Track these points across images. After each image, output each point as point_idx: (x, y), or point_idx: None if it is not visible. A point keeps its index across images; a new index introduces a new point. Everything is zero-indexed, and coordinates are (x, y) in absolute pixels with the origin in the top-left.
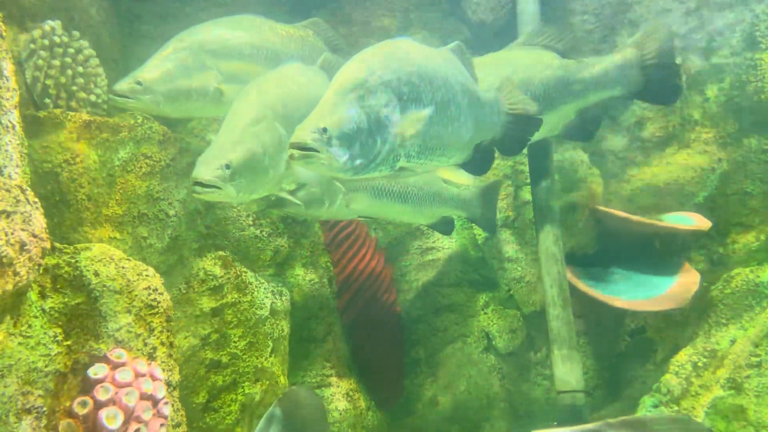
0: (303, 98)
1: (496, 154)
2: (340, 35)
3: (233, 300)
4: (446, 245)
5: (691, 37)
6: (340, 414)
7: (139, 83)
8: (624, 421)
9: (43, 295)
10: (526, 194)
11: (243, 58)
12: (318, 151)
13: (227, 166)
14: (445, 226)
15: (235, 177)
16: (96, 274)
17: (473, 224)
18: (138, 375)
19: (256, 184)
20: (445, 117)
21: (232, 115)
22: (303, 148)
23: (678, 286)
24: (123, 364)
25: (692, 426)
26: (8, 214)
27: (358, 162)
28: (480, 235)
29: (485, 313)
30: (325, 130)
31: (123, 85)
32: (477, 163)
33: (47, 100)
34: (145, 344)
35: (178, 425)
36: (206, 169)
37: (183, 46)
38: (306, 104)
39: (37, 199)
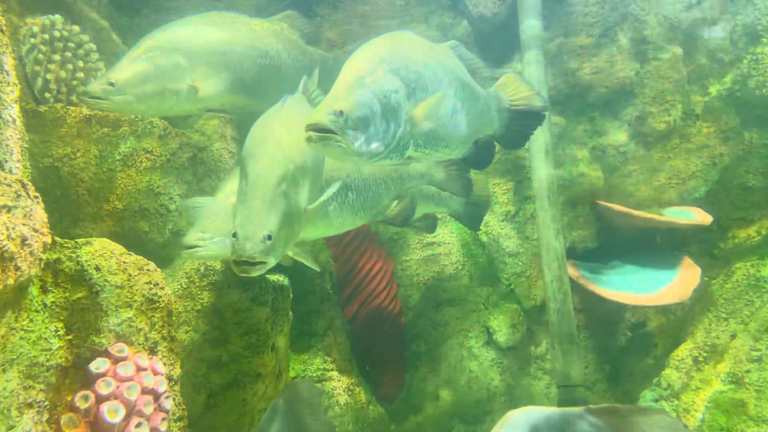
0: None
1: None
2: (314, 26)
3: (234, 294)
4: (447, 240)
5: (693, 30)
6: (341, 408)
7: (111, 84)
8: (604, 408)
9: (44, 290)
10: (527, 189)
11: (217, 55)
12: (335, 134)
13: (269, 238)
14: (427, 223)
15: (275, 246)
16: (97, 269)
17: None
18: (139, 369)
19: (288, 247)
20: (449, 107)
21: (254, 170)
22: (320, 130)
23: (679, 281)
24: (124, 359)
25: (666, 419)
26: (9, 209)
27: (373, 146)
28: (481, 230)
29: (486, 308)
30: (341, 112)
31: (95, 86)
32: (478, 157)
33: (48, 95)
34: (147, 339)
35: (179, 419)
36: (252, 246)
37: (155, 44)
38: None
39: (38, 194)
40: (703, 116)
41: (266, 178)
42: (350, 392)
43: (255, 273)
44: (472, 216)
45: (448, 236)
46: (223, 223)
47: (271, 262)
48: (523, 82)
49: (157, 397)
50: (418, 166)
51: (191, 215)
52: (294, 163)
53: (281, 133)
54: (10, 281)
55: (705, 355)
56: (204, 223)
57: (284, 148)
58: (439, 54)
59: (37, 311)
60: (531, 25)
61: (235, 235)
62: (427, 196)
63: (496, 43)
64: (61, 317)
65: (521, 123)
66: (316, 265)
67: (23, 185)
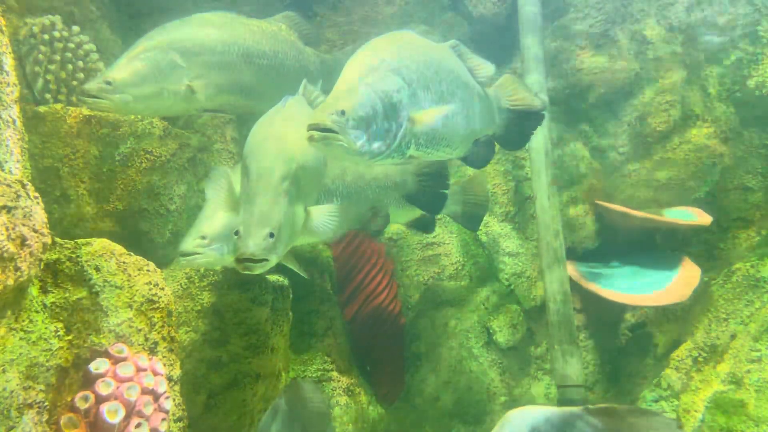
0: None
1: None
2: (314, 27)
3: (234, 295)
4: (447, 240)
5: (693, 31)
6: (341, 409)
7: (108, 83)
8: (601, 408)
9: (44, 290)
10: (527, 189)
11: (214, 55)
12: (337, 133)
13: (271, 235)
14: (424, 225)
15: (277, 244)
16: (97, 269)
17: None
18: (139, 370)
19: (290, 245)
20: (451, 107)
21: (257, 168)
22: (323, 129)
23: (679, 281)
24: (124, 359)
25: (662, 420)
26: (9, 209)
27: (374, 145)
28: (480, 230)
29: (486, 308)
30: (343, 112)
31: (92, 85)
32: (477, 157)
33: (47, 95)
34: (146, 339)
35: (179, 420)
36: (254, 243)
37: (152, 44)
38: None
39: (37, 194)
40: (703, 116)
41: (269, 175)
42: (350, 393)
43: (258, 270)
44: (470, 217)
45: (448, 236)
46: (222, 227)
47: (274, 259)
48: (522, 82)
49: (156, 397)
50: (394, 176)
51: (213, 186)
52: (296, 162)
53: (283, 132)
54: (10, 282)
55: (705, 355)
56: (202, 227)
57: (286, 146)
58: (440, 54)
59: (37, 312)
60: (531, 39)
61: (237, 232)
62: None
63: (496, 44)
64: (61, 318)
65: (521, 123)
66: (303, 271)
67: (23, 186)
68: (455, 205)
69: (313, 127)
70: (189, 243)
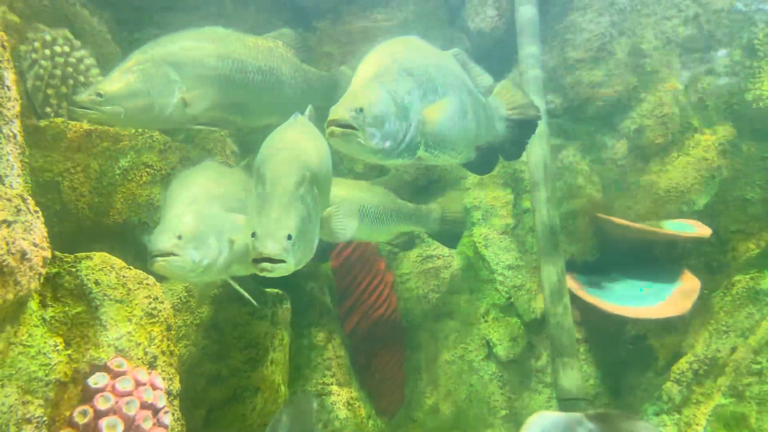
0: (326, 153)
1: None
2: (309, 46)
3: (233, 309)
4: (446, 253)
5: (690, 45)
6: (341, 422)
7: (99, 95)
8: (598, 414)
9: (43, 304)
10: (526, 202)
11: (208, 69)
12: (356, 129)
13: (289, 237)
14: (404, 242)
15: (295, 247)
16: (96, 283)
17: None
18: (138, 384)
19: (307, 253)
20: (457, 111)
21: (272, 174)
22: (342, 125)
23: (678, 294)
24: (123, 373)
25: (647, 427)
26: (9, 224)
27: (387, 144)
28: (480, 243)
29: (486, 321)
30: (361, 110)
31: (83, 96)
32: (480, 163)
33: (48, 110)
34: (146, 353)
35: None
36: (273, 244)
37: (146, 57)
38: (328, 158)
39: (38, 209)
40: (701, 129)
41: (285, 181)
42: (350, 406)
43: (277, 273)
44: (448, 234)
45: (447, 249)
46: (197, 228)
47: (291, 263)
48: (519, 89)
49: (156, 412)
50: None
51: None
52: (310, 170)
53: (297, 142)
54: (10, 296)
55: (705, 368)
56: (177, 225)
57: (300, 155)
58: (446, 60)
59: (36, 326)
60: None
61: (254, 234)
62: (403, 216)
63: (494, 58)
64: (60, 332)
65: (518, 132)
66: (251, 299)
67: (23, 200)
68: (433, 223)
69: (333, 123)
70: (166, 241)
